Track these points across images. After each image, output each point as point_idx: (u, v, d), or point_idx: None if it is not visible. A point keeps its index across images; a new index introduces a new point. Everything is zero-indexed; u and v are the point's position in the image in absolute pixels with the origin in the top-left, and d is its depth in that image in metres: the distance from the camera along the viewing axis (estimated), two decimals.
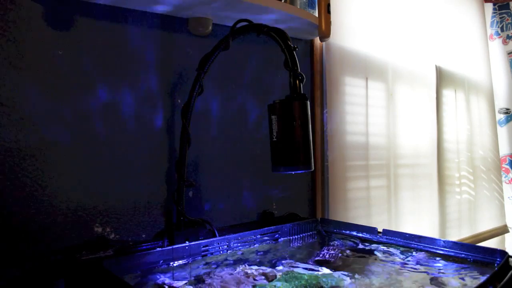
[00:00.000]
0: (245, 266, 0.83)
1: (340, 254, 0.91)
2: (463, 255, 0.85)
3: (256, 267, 0.82)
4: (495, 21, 2.46)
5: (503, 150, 2.43)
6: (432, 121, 1.88)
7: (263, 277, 0.76)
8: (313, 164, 0.77)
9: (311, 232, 1.09)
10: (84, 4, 0.86)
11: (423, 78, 1.85)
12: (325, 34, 1.18)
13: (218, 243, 0.91)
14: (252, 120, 1.17)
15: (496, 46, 2.44)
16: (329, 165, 1.37)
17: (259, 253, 0.92)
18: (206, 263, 0.84)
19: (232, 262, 0.85)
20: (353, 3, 1.51)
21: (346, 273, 0.78)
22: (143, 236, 0.94)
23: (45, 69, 0.81)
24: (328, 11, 1.18)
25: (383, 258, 0.88)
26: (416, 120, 1.78)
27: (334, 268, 0.81)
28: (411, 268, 0.81)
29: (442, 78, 1.97)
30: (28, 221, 0.79)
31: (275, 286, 0.72)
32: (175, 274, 0.78)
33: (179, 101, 1.01)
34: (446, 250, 0.88)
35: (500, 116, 2.45)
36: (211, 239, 0.90)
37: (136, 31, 0.94)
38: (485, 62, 2.34)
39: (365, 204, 1.51)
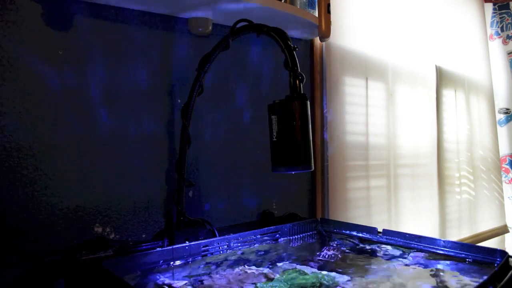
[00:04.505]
0: (245, 266, 0.83)
1: (340, 254, 0.91)
2: (463, 255, 0.85)
3: (256, 267, 0.82)
4: (495, 21, 2.46)
5: (503, 150, 2.43)
6: (432, 121, 1.88)
7: (263, 277, 0.76)
8: (313, 164, 0.77)
9: (311, 232, 1.09)
10: (84, 4, 0.86)
11: (423, 78, 1.85)
12: (325, 34, 1.19)
13: (218, 243, 0.91)
14: (252, 120, 1.17)
15: (496, 46, 2.44)
16: (329, 165, 1.37)
17: (259, 253, 0.92)
18: (206, 263, 0.84)
19: (232, 262, 0.85)
20: (353, 3, 1.51)
21: (346, 273, 0.78)
22: (143, 236, 0.94)
23: (45, 69, 0.81)
24: (328, 11, 1.18)
25: (383, 258, 0.88)
26: (416, 120, 1.78)
27: (334, 268, 0.81)
28: (411, 268, 0.81)
29: (442, 78, 1.97)
30: (28, 221, 0.79)
31: (275, 286, 0.72)
32: (175, 274, 0.78)
33: (179, 101, 1.01)
34: (446, 250, 0.88)
35: (500, 116, 2.45)
36: (211, 239, 0.90)
37: (136, 31, 0.94)
38: (485, 62, 2.34)
39: (365, 204, 1.51)
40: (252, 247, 0.96)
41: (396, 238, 0.97)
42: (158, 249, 0.82)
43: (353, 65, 1.49)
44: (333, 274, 0.78)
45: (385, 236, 0.99)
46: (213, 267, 0.82)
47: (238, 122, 1.14)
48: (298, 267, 0.83)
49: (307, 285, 0.73)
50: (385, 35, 1.65)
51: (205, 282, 0.74)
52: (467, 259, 0.84)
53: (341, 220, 1.14)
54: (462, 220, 2.04)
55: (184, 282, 0.73)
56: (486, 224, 2.20)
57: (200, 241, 0.88)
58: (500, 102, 2.44)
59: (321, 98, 1.37)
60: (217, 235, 0.94)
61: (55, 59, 0.83)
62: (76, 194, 0.85)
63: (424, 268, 0.81)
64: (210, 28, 1.03)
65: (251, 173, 1.16)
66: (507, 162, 2.43)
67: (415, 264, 0.84)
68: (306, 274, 0.78)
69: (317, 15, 1.18)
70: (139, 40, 0.95)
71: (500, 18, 2.45)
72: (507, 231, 2.35)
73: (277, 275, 0.77)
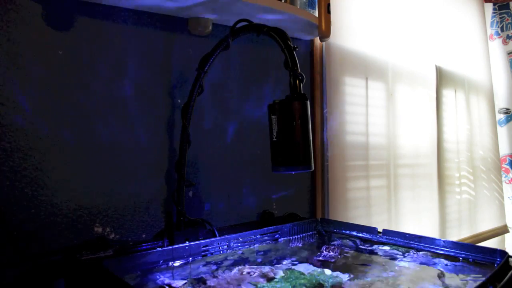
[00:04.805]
0: (245, 266, 0.83)
1: (340, 254, 0.91)
2: (463, 255, 0.85)
3: (256, 267, 0.82)
4: (495, 21, 2.46)
5: (503, 150, 2.43)
6: (432, 121, 1.88)
7: (263, 277, 0.76)
8: (313, 164, 0.77)
9: (311, 232, 1.09)
10: (84, 4, 0.86)
11: (423, 78, 1.85)
12: (325, 34, 1.18)
13: (218, 243, 0.91)
14: (252, 120, 1.17)
15: (496, 46, 2.44)
16: (329, 165, 1.37)
17: (259, 253, 0.92)
18: (206, 263, 0.84)
19: (232, 262, 0.85)
20: (353, 3, 1.51)
21: (346, 273, 0.78)
22: (143, 236, 0.94)
23: (45, 69, 0.81)
24: (328, 11, 1.18)
25: (383, 258, 0.88)
26: (416, 120, 1.78)
27: (334, 268, 0.81)
28: (411, 268, 0.81)
29: (442, 78, 1.97)
30: (28, 221, 0.79)
31: (275, 286, 0.72)
32: (175, 274, 0.78)
33: (179, 101, 1.01)
34: (446, 250, 0.88)
35: (500, 116, 2.45)
36: (211, 239, 0.90)
37: (136, 31, 0.94)
38: (485, 62, 2.34)
39: (365, 204, 1.51)
40: (252, 247, 0.96)
41: (396, 238, 0.97)
42: (158, 249, 0.82)
43: (353, 65, 1.49)
44: (333, 274, 0.78)
45: (385, 236, 0.99)
46: (213, 267, 0.82)
47: (238, 122, 1.14)
48: (298, 267, 0.83)
49: (307, 285, 0.72)
50: (385, 35, 1.65)
51: (205, 282, 0.74)
52: (467, 259, 0.84)
53: (341, 220, 1.14)
54: (462, 220, 2.04)
55: (184, 282, 0.73)
56: (486, 224, 2.20)
57: (200, 241, 0.88)
58: (500, 102, 2.44)
59: (321, 98, 1.37)
60: (217, 235, 0.94)
61: (55, 59, 0.83)
62: (76, 194, 0.85)
63: (424, 268, 0.81)
64: (210, 28, 1.03)
65: (251, 173, 1.16)
66: (507, 162, 2.43)
67: (415, 264, 0.84)
68: (306, 274, 0.78)
69: (317, 15, 1.18)
70: (139, 40, 0.95)
71: (500, 18, 2.45)
72: (507, 231, 2.35)
73: (277, 275, 0.77)
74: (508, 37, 2.43)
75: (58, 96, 0.83)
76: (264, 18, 1.05)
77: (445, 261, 0.85)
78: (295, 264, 0.84)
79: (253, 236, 0.97)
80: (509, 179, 2.43)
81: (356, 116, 1.49)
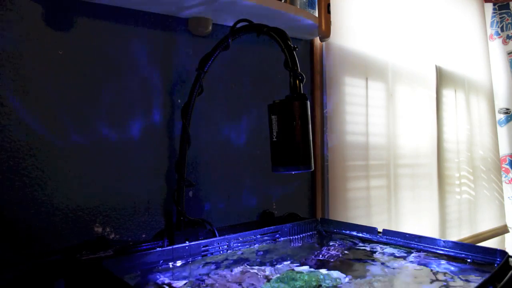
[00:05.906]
0: (245, 266, 0.83)
1: (340, 254, 0.91)
2: (463, 255, 0.85)
3: (256, 267, 0.82)
4: (495, 21, 2.46)
5: (503, 150, 2.43)
6: (432, 121, 1.88)
7: (263, 277, 0.76)
8: (313, 164, 0.77)
9: (311, 232, 1.09)
10: (84, 4, 0.86)
11: (423, 78, 1.85)
12: (325, 34, 1.19)
13: (218, 243, 0.91)
14: (252, 120, 1.17)
15: (496, 46, 2.44)
16: (329, 165, 1.37)
17: (259, 253, 0.92)
18: (206, 263, 0.84)
19: (232, 262, 0.85)
20: (353, 3, 1.51)
21: (346, 273, 0.78)
22: (143, 236, 0.94)
23: (45, 69, 0.81)
24: (328, 11, 1.18)
25: (383, 258, 0.88)
26: (416, 120, 1.78)
27: (334, 268, 0.81)
28: (411, 268, 0.81)
29: (442, 78, 1.97)
30: (27, 221, 0.79)
31: (274, 286, 0.72)
32: (175, 274, 0.78)
33: (179, 101, 1.01)
34: (446, 250, 0.88)
35: (500, 116, 2.45)
36: (211, 239, 0.90)
37: (136, 31, 0.94)
38: (485, 62, 2.34)
39: (365, 204, 1.51)
40: (252, 247, 0.96)
41: (396, 238, 0.97)
42: (158, 249, 0.82)
43: (353, 65, 1.49)
44: (333, 274, 0.78)
45: (385, 236, 0.99)
46: (213, 267, 0.82)
47: (238, 122, 1.14)
48: (298, 267, 0.83)
49: (307, 285, 0.72)
50: (385, 35, 1.65)
51: (205, 282, 0.74)
52: (467, 259, 0.84)
53: (341, 220, 1.14)
54: (462, 220, 2.04)
55: (184, 282, 0.73)
56: (486, 224, 2.20)
57: (200, 241, 0.88)
58: (500, 102, 2.44)
59: (321, 98, 1.37)
60: (217, 235, 0.94)
61: (55, 59, 0.83)
62: (76, 194, 0.85)
63: (424, 268, 0.81)
64: (210, 28, 1.03)
65: (251, 173, 1.16)
66: (507, 162, 2.43)
67: (415, 264, 0.84)
68: (306, 274, 0.78)
69: (317, 15, 1.18)
70: (139, 40, 0.95)
71: (500, 18, 2.45)
72: (507, 231, 2.35)
73: (277, 275, 0.77)
74: (508, 37, 2.43)
75: (58, 96, 0.83)
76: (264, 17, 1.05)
77: (445, 261, 0.85)
78: (295, 264, 0.84)
79: (253, 236, 0.97)
80: (509, 179, 2.43)
81: (356, 116, 1.49)
